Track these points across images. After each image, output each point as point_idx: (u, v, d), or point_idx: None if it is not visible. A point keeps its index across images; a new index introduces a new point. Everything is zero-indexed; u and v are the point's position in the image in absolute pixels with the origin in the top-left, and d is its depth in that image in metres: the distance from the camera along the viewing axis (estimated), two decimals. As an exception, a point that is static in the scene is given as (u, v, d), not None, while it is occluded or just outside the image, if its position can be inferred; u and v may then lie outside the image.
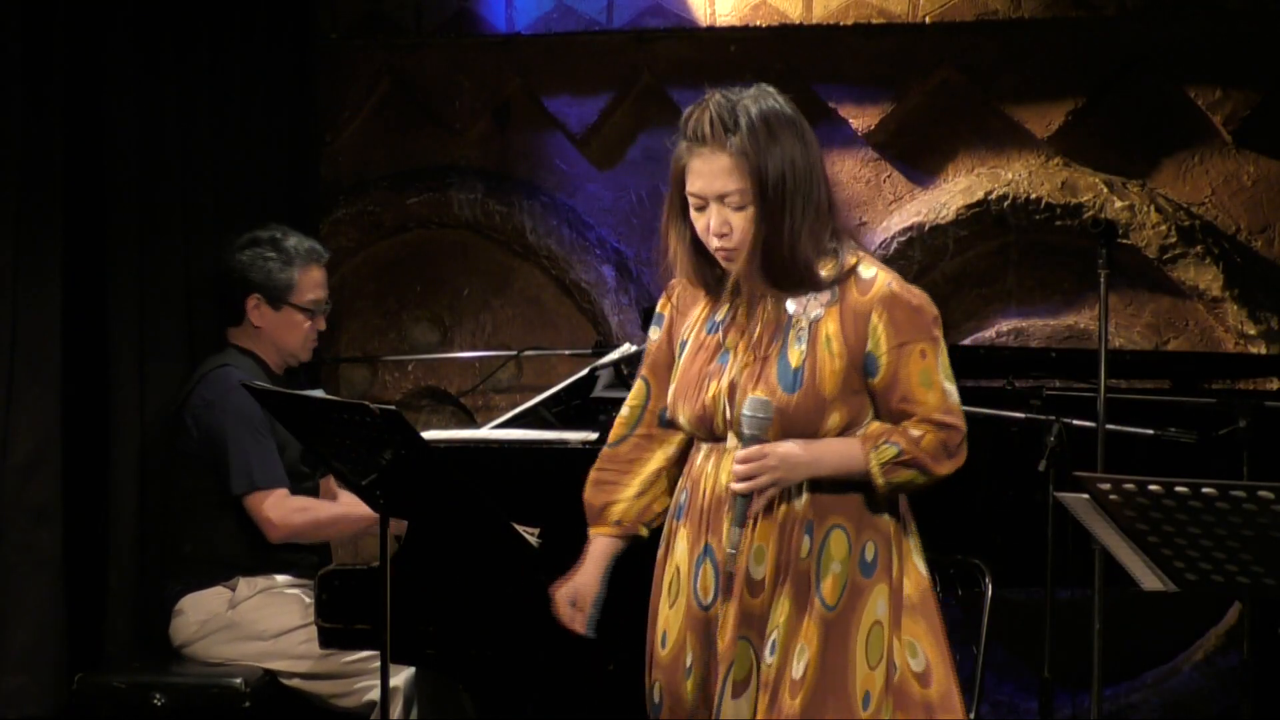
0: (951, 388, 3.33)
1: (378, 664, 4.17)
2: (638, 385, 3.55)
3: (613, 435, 3.58)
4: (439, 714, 4.64)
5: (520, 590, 4.22)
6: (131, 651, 4.97)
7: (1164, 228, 5.62)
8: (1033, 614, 4.62)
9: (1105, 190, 5.66)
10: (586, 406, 4.91)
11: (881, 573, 3.34)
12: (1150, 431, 4.51)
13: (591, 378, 4.92)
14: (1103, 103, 5.71)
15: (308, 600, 4.65)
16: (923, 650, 3.34)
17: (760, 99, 3.34)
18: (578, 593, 3.54)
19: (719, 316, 3.41)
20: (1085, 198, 5.66)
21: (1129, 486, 2.88)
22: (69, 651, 4.85)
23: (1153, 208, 5.64)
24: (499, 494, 4.05)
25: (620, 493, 3.53)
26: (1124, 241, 5.54)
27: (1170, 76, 5.65)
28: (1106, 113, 5.72)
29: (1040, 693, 4.56)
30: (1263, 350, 5.58)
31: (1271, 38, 5.57)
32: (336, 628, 4.34)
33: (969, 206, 5.73)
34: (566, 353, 5.84)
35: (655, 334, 3.53)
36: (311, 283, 4.93)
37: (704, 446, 3.41)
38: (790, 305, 3.34)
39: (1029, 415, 4.48)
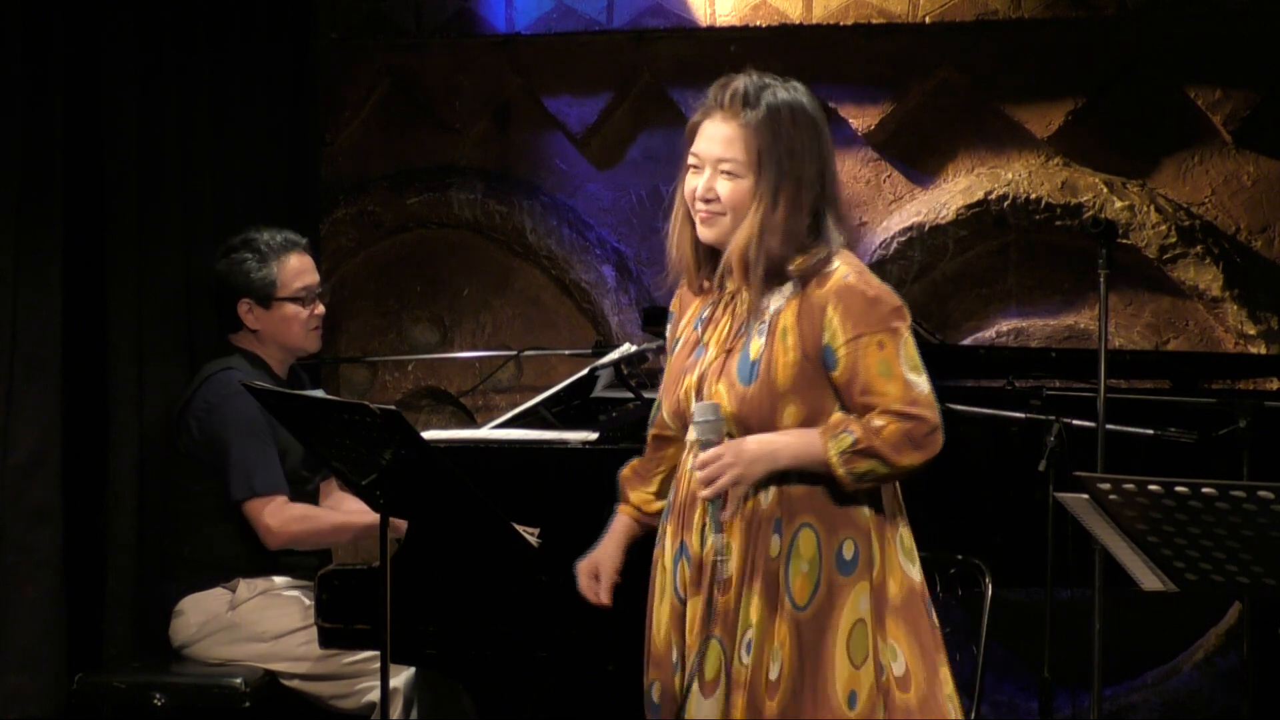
0: (917, 378, 3.29)
1: (378, 665, 4.16)
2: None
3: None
4: (439, 714, 4.64)
5: (520, 590, 4.22)
6: (131, 652, 4.97)
7: (1164, 228, 5.62)
8: (1033, 614, 4.62)
9: (1105, 190, 5.66)
10: (586, 406, 4.91)
11: (863, 570, 3.32)
12: (1150, 431, 4.51)
13: (591, 378, 4.92)
14: (1103, 103, 5.71)
15: (307, 602, 4.65)
16: (901, 654, 3.32)
17: (790, 90, 3.38)
18: (598, 565, 3.59)
19: (705, 313, 3.45)
20: (1085, 198, 5.66)
21: (1129, 486, 2.88)
22: (69, 651, 4.85)
23: (1153, 208, 5.64)
24: (499, 494, 4.05)
25: (645, 486, 3.60)
26: (1124, 241, 5.54)
27: (1170, 76, 5.65)
28: (1106, 113, 5.72)
29: (1040, 693, 4.56)
30: (1263, 350, 5.57)
31: (1271, 38, 5.57)
32: (336, 628, 4.34)
33: (969, 206, 5.73)
34: (566, 353, 5.84)
35: (668, 331, 3.58)
36: (293, 272, 4.91)
37: (687, 442, 3.43)
38: (762, 300, 3.36)
39: (1029, 415, 4.48)
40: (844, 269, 3.33)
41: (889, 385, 3.27)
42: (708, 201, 3.36)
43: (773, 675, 3.29)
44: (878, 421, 3.27)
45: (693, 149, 3.40)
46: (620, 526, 3.61)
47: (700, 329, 3.44)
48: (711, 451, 3.29)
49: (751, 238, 3.33)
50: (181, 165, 5.22)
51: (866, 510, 3.35)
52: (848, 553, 3.32)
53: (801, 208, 3.34)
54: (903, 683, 3.31)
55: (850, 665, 3.29)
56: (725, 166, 3.35)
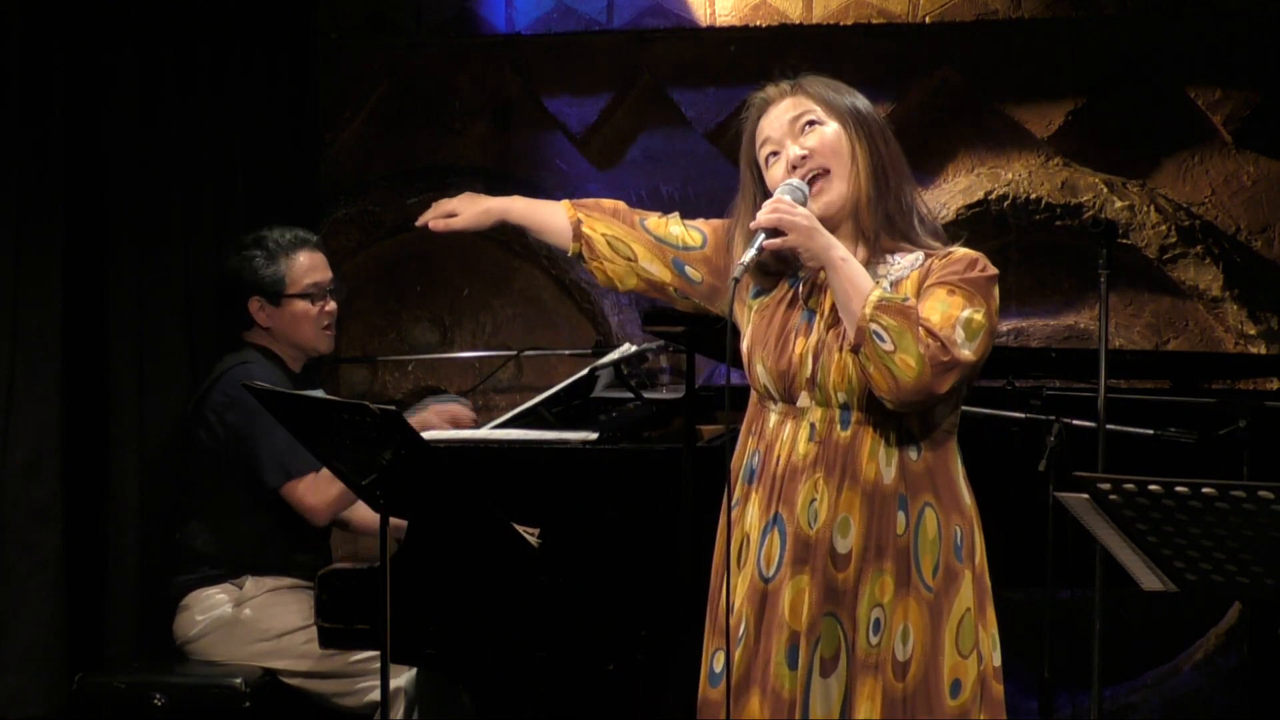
0: (967, 338, 3.22)
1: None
2: (698, 227, 3.53)
3: (636, 211, 3.59)
4: (439, 714, 4.64)
5: (520, 590, 4.22)
6: (132, 651, 4.97)
7: (1164, 228, 5.62)
8: (1033, 614, 4.62)
9: (1105, 190, 5.66)
10: (586, 406, 4.91)
11: (968, 557, 3.32)
12: (1150, 431, 4.51)
13: (591, 378, 4.92)
14: (1103, 103, 5.71)
15: (311, 601, 4.65)
16: (999, 646, 3.33)
17: (852, 91, 3.37)
18: (485, 202, 3.79)
19: (803, 273, 3.35)
20: (1085, 198, 5.66)
21: (1129, 486, 2.88)
22: (69, 651, 4.85)
23: (1153, 208, 5.64)
24: (499, 494, 4.05)
25: (605, 220, 3.55)
26: (1124, 241, 5.54)
27: (1170, 76, 5.66)
28: (1106, 113, 5.72)
29: (1040, 693, 4.55)
30: (1263, 350, 5.58)
31: (1271, 38, 5.57)
32: (336, 628, 4.34)
33: (969, 206, 5.73)
34: (566, 353, 5.84)
35: (701, 223, 3.52)
36: (303, 269, 4.90)
37: (776, 409, 3.34)
38: (879, 267, 3.30)
39: (1029, 415, 4.47)
40: (967, 249, 3.32)
41: (934, 315, 3.21)
42: (805, 159, 3.29)
43: (900, 656, 3.25)
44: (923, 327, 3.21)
45: (761, 142, 3.34)
46: (546, 205, 3.63)
47: (800, 288, 3.36)
48: (793, 203, 3.23)
49: (868, 182, 3.28)
50: (181, 165, 5.23)
51: (968, 497, 3.34)
52: (959, 539, 3.30)
53: (901, 162, 3.32)
54: (999, 674, 3.32)
55: (957, 653, 3.27)
56: (806, 118, 3.31)
